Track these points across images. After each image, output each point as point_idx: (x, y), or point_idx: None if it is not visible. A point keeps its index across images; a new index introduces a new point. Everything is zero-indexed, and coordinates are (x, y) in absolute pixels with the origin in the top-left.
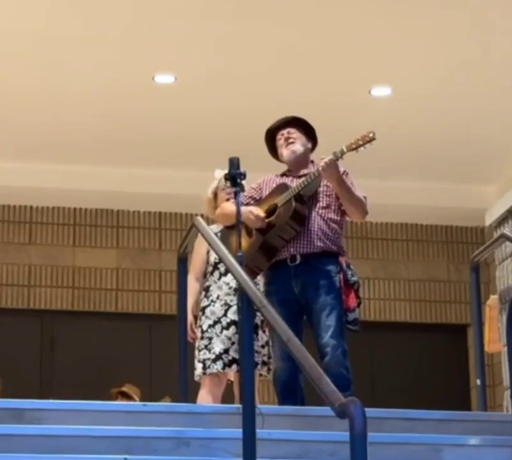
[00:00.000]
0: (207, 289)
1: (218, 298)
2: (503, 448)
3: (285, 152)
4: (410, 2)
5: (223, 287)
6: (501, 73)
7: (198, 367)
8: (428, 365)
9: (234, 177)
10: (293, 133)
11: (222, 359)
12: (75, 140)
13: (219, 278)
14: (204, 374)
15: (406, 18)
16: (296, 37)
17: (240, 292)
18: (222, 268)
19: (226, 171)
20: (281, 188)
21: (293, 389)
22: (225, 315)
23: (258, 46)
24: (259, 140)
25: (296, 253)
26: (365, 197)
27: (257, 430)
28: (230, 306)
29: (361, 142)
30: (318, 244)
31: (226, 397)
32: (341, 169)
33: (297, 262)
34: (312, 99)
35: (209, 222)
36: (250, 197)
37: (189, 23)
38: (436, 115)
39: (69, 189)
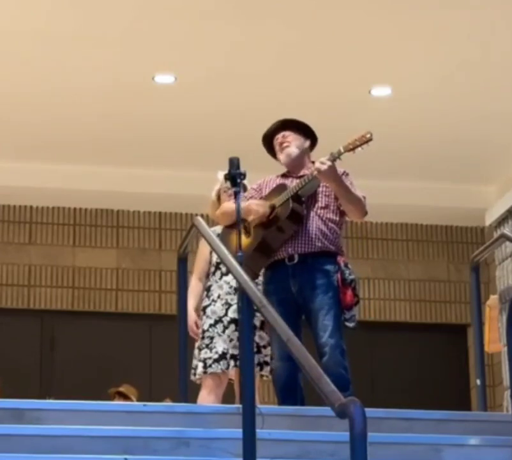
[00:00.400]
0: (208, 289)
1: (218, 297)
2: (503, 448)
3: (281, 157)
4: (410, 2)
5: (223, 287)
6: (501, 73)
7: (199, 366)
8: (428, 365)
9: (234, 177)
10: (288, 136)
11: (226, 359)
12: (75, 140)
13: (221, 278)
14: (205, 373)
15: (406, 18)
16: (296, 37)
17: (241, 292)
18: (224, 268)
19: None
20: (280, 189)
21: (292, 389)
22: (226, 314)
23: (258, 46)
24: (259, 140)
25: (294, 252)
26: (364, 197)
27: (257, 430)
28: (230, 305)
29: (358, 143)
30: (317, 244)
31: (227, 397)
32: (341, 170)
33: (295, 261)
34: (312, 99)
35: (209, 222)
36: (250, 198)
37: (189, 23)
38: (436, 115)
39: (69, 189)
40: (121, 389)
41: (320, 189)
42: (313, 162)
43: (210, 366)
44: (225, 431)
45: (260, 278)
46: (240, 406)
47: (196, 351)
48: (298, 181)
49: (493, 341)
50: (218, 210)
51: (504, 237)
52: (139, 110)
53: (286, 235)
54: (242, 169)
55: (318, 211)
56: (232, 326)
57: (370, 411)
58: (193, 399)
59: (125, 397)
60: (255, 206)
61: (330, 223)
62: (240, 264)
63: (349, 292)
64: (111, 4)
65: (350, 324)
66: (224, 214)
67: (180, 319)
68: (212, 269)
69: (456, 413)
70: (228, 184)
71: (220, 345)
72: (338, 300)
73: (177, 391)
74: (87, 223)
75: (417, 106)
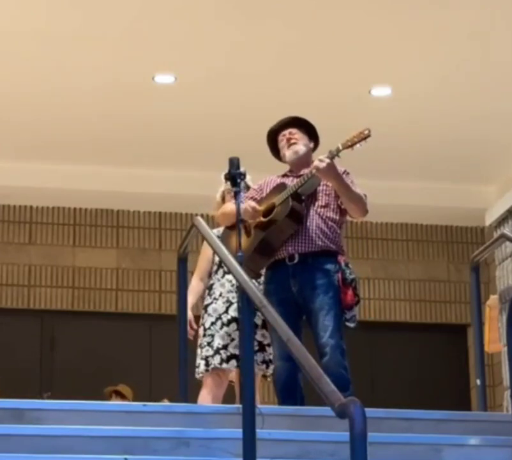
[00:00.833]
0: (210, 287)
1: (220, 295)
2: (503, 448)
3: (287, 153)
4: (410, 2)
5: (225, 285)
6: (501, 73)
7: (201, 364)
8: (428, 365)
9: (234, 177)
10: (295, 133)
11: (220, 354)
12: (75, 140)
13: (223, 276)
14: (207, 370)
15: (406, 18)
16: (296, 37)
17: (241, 292)
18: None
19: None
20: (280, 188)
21: (292, 389)
22: (226, 312)
23: (258, 46)
24: (259, 140)
25: (294, 252)
26: (365, 196)
27: (257, 430)
28: (231, 303)
29: (356, 139)
30: (317, 243)
31: (227, 397)
32: (342, 169)
33: (296, 261)
34: (312, 99)
35: (209, 223)
36: (251, 198)
37: (189, 23)
38: (436, 115)
39: (69, 189)
40: (118, 388)
41: (320, 188)
42: (313, 162)
43: (211, 363)
44: (225, 431)
45: (261, 278)
46: (240, 406)
47: (198, 350)
48: (298, 180)
49: (493, 341)
50: (219, 211)
51: (504, 237)
52: (139, 110)
53: (286, 234)
54: (242, 169)
55: (318, 210)
56: (233, 325)
57: (370, 411)
58: (193, 399)
59: (122, 396)
60: (249, 210)
61: (330, 222)
62: (241, 264)
63: (350, 292)
64: (111, 4)
65: (351, 325)
66: (223, 215)
67: (180, 319)
68: (215, 267)
69: (456, 413)
70: (228, 183)
71: (216, 341)
72: (339, 300)
73: (177, 391)
74: (87, 223)
75: (417, 106)
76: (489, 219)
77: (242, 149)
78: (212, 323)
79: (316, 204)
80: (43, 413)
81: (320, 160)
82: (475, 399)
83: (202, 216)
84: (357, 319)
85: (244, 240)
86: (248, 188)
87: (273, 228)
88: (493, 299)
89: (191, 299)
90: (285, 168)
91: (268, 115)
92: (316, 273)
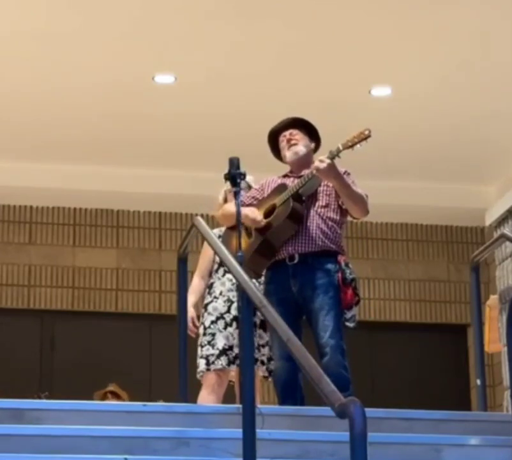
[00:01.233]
0: (210, 286)
1: (220, 294)
2: (503, 448)
3: (287, 153)
4: (410, 2)
5: (226, 283)
6: (501, 73)
7: (201, 363)
8: (428, 365)
9: (234, 177)
10: (296, 134)
11: (227, 355)
12: (75, 140)
13: (224, 275)
14: (208, 370)
15: (406, 18)
16: (296, 37)
17: (240, 291)
18: None
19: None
20: (280, 189)
21: (293, 389)
22: (228, 311)
23: (258, 46)
24: (259, 140)
25: (294, 252)
26: (366, 195)
27: (257, 430)
28: (232, 302)
29: (356, 140)
30: (317, 243)
31: (227, 397)
32: (342, 169)
33: (296, 261)
34: (312, 99)
35: (209, 223)
36: (252, 198)
37: (189, 23)
38: (436, 115)
39: (69, 189)
40: (111, 389)
41: (321, 188)
42: (314, 162)
43: (213, 363)
44: (225, 431)
45: (261, 279)
46: (240, 406)
47: (198, 349)
48: (298, 180)
49: (493, 341)
50: (219, 211)
51: (504, 237)
52: (139, 110)
53: (287, 235)
54: (242, 169)
55: (319, 210)
56: (235, 324)
57: (370, 411)
58: (193, 399)
59: (117, 396)
60: (250, 218)
61: (330, 223)
62: (241, 264)
63: (350, 292)
64: (111, 4)
65: (351, 325)
66: (224, 216)
67: (180, 319)
68: (216, 266)
69: (456, 413)
70: (228, 183)
71: (221, 342)
72: (339, 300)
73: (177, 391)
74: (87, 223)
75: (417, 106)
76: (489, 219)
77: (242, 149)
78: (213, 322)
79: (317, 204)
80: (43, 413)
81: (320, 160)
82: (475, 399)
83: (202, 216)
84: (357, 319)
85: (245, 241)
86: (249, 188)
87: (274, 229)
88: (493, 299)
89: (192, 297)
90: (286, 168)
91: (268, 115)
92: (317, 273)
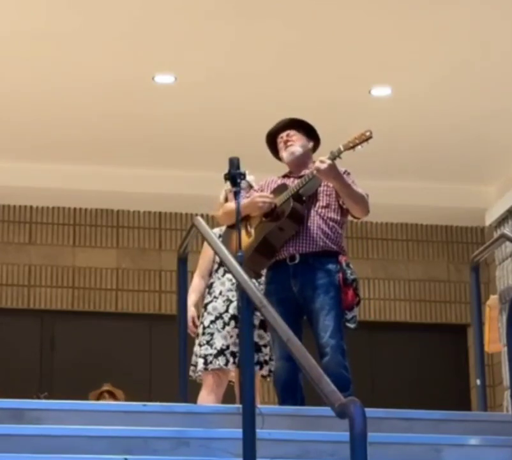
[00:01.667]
0: (210, 286)
1: (220, 293)
2: (503, 448)
3: (284, 154)
4: (410, 2)
5: (226, 283)
6: (501, 73)
7: (199, 362)
8: (428, 365)
9: (234, 177)
10: (293, 135)
11: (225, 355)
12: (75, 140)
13: (223, 275)
14: (206, 369)
15: (406, 18)
16: (296, 37)
17: (240, 291)
18: None
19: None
20: (281, 189)
21: (293, 389)
22: (226, 310)
23: (258, 46)
24: (259, 140)
25: (295, 252)
26: (367, 195)
27: (257, 430)
28: (231, 301)
29: (357, 141)
30: (318, 243)
31: (227, 397)
32: (342, 169)
33: (296, 261)
34: (312, 99)
35: (209, 223)
36: None
37: (189, 23)
38: (436, 115)
39: (69, 189)
40: (107, 388)
41: (321, 188)
42: (314, 162)
43: (211, 362)
44: (225, 431)
45: (262, 279)
46: (240, 406)
47: (196, 348)
48: (299, 180)
49: (493, 341)
50: (220, 210)
51: (504, 237)
52: (139, 110)
53: (288, 235)
54: (242, 169)
55: (319, 211)
56: (233, 323)
57: (370, 411)
58: (193, 399)
59: (113, 395)
60: (259, 199)
61: (331, 223)
62: (241, 263)
63: (350, 292)
64: (111, 4)
65: (352, 325)
66: (225, 214)
67: (180, 319)
68: (216, 266)
69: (456, 413)
70: (229, 184)
71: (219, 341)
72: (339, 300)
73: (176, 391)
74: (87, 223)
75: (417, 106)
76: (489, 219)
77: (242, 149)
78: (212, 322)
79: (317, 204)
80: (43, 413)
81: (321, 160)
82: (475, 399)
83: (202, 216)
84: (357, 319)
85: (245, 240)
86: (251, 187)
87: (274, 229)
88: (493, 299)
89: (193, 297)
90: (286, 168)
91: (268, 115)
92: (317, 273)
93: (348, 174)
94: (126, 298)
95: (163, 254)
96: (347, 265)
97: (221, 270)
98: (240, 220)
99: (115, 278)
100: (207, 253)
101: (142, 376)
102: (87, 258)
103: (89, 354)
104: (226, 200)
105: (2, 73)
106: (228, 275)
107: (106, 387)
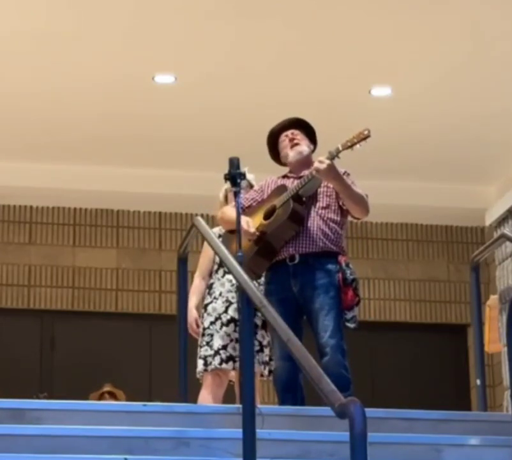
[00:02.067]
0: (210, 287)
1: (220, 294)
2: (503, 448)
3: (290, 153)
4: (410, 2)
5: (225, 284)
6: (501, 73)
7: (200, 363)
8: (428, 365)
9: (234, 177)
10: (297, 134)
11: (219, 355)
12: (75, 140)
13: (223, 276)
14: (205, 370)
15: (406, 18)
16: (296, 37)
17: (240, 292)
18: None
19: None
20: (280, 190)
21: (293, 389)
22: (225, 312)
23: (258, 46)
24: (259, 140)
25: (295, 252)
26: (367, 195)
27: (257, 430)
28: (231, 303)
29: (356, 140)
30: (318, 244)
31: (227, 397)
32: (342, 170)
33: (296, 261)
34: (312, 99)
35: (209, 223)
36: (252, 199)
37: (189, 23)
38: (436, 115)
39: (69, 189)
40: (107, 388)
41: (321, 189)
42: (313, 163)
43: (210, 363)
44: (225, 431)
45: (262, 279)
46: (240, 406)
47: (198, 349)
48: (298, 181)
49: (493, 341)
50: (219, 214)
51: (504, 237)
52: (139, 110)
53: (288, 236)
54: (242, 169)
55: (319, 211)
56: (232, 326)
57: (370, 411)
58: (193, 399)
59: (114, 395)
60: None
61: (331, 223)
62: (241, 264)
63: (350, 292)
64: (111, 4)
65: (352, 325)
66: (222, 220)
67: (180, 319)
68: (215, 267)
69: (456, 413)
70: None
71: (217, 342)
72: (339, 300)
73: (176, 391)
74: (87, 223)
75: (417, 106)
76: (489, 219)
77: (242, 149)
78: (212, 322)
79: (317, 205)
80: (43, 413)
81: (320, 161)
82: (475, 399)
83: (202, 216)
84: (357, 319)
85: (245, 242)
86: (251, 186)
87: (274, 230)
88: (493, 299)
89: (194, 299)
90: (285, 169)
91: (268, 115)
92: (317, 273)
93: (348, 174)
94: (126, 298)
95: (163, 254)
96: (347, 265)
97: (221, 271)
98: (239, 221)
99: (115, 278)
100: (207, 254)
101: (142, 376)
102: (87, 258)
103: (89, 354)
104: (226, 199)
105: (2, 72)
106: (228, 276)
107: (107, 388)
